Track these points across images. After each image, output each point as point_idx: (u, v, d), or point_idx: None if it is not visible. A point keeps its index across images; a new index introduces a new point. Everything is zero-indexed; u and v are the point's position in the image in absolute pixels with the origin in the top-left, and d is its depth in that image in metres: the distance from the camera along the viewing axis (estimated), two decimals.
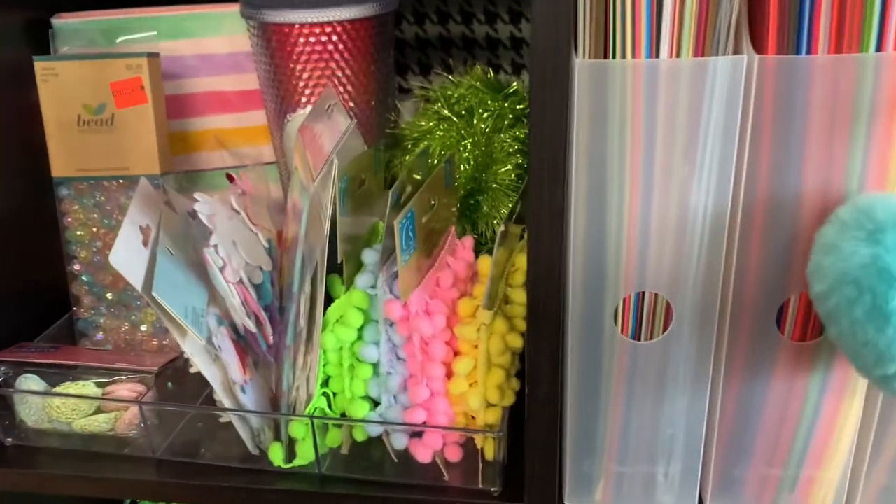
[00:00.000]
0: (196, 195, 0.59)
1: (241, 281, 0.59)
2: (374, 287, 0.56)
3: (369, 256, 0.58)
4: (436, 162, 0.66)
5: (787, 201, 0.45)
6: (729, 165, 0.45)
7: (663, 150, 0.45)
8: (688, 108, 0.44)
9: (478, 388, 0.55)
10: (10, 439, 0.64)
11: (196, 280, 0.60)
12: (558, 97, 0.43)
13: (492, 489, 0.57)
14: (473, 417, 0.58)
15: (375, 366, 0.57)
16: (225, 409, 0.59)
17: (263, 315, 0.59)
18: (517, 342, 0.55)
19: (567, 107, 0.43)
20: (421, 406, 0.55)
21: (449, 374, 0.55)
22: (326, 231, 0.53)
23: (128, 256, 0.54)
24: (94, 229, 0.69)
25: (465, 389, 0.55)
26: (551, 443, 0.53)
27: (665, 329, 0.49)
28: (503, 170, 0.66)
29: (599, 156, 0.45)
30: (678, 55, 0.44)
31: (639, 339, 0.50)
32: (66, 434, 0.63)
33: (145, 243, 0.58)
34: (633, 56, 0.43)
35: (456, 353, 0.55)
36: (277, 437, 0.61)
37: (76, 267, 0.70)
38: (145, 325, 0.71)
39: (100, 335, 0.72)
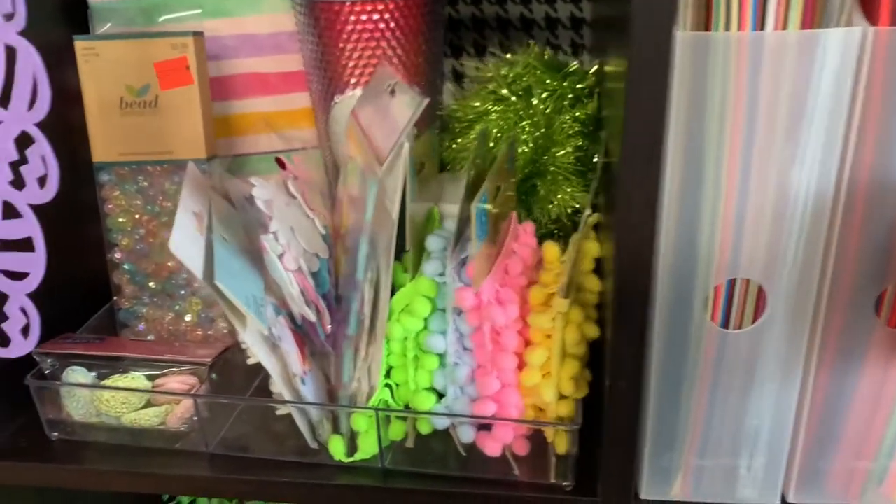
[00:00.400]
0: (252, 180, 0.56)
1: (299, 269, 0.56)
2: (441, 275, 0.54)
3: (434, 243, 0.55)
4: (492, 145, 0.64)
5: (893, 184, 0.43)
6: (834, 146, 0.43)
7: (765, 129, 0.42)
8: (793, 84, 0.41)
9: (551, 380, 0.53)
10: (55, 433, 0.62)
11: (251, 268, 0.58)
12: (659, 73, 0.41)
13: (563, 483, 0.55)
14: (541, 409, 0.56)
15: (441, 356, 0.55)
16: (285, 402, 0.57)
17: (322, 304, 0.57)
18: (593, 332, 0.52)
19: (668, 84, 0.41)
20: (491, 398, 0.53)
21: (520, 365, 0.53)
22: (395, 217, 0.50)
23: (186, 244, 0.52)
24: (137, 216, 0.67)
25: (538, 381, 0.53)
26: (631, 436, 0.51)
27: (756, 317, 0.47)
28: (562, 153, 0.64)
29: (697, 136, 0.43)
30: (785, 27, 0.41)
31: (727, 328, 0.48)
32: (114, 428, 0.61)
33: (199, 230, 0.56)
34: (738, 28, 0.41)
35: (526, 344, 0.53)
36: (336, 430, 0.59)
37: (117, 255, 0.68)
38: (189, 315, 0.69)
39: (141, 325, 0.69)
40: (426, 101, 0.49)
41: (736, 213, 0.44)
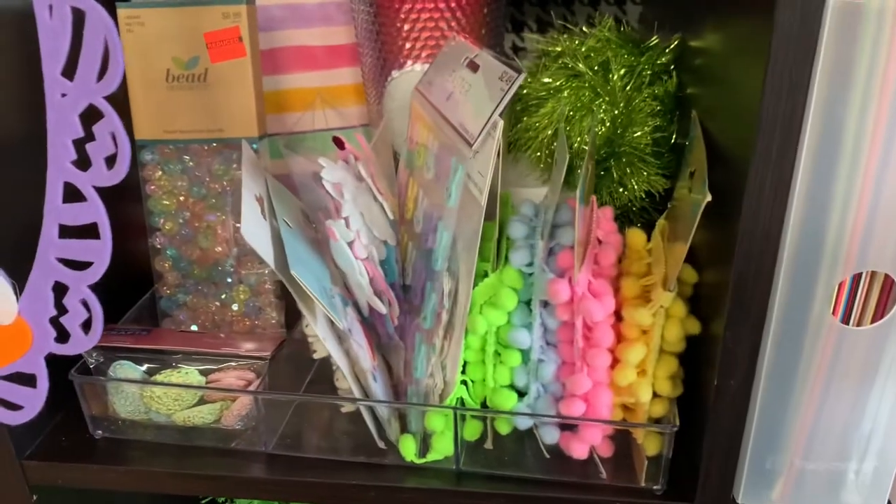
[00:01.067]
0: (321, 160, 0.52)
1: (369, 257, 0.52)
2: (529, 265, 0.50)
3: (517, 230, 0.51)
4: (565, 125, 0.60)
5: None
6: None
7: None
8: None
9: (646, 378, 0.49)
10: (99, 432, 0.58)
11: (315, 255, 0.54)
12: (805, 44, 0.37)
13: (654, 487, 0.51)
14: (626, 408, 0.52)
15: (524, 352, 0.51)
16: (359, 400, 0.53)
17: (391, 294, 0.53)
18: (695, 327, 0.49)
19: (814, 57, 0.37)
20: (580, 397, 0.50)
21: (612, 363, 0.50)
22: (484, 202, 0.46)
23: (256, 231, 0.48)
24: (181, 198, 0.62)
25: (633, 380, 0.49)
26: (736, 438, 0.48)
27: (882, 314, 0.44)
28: (639, 133, 0.60)
29: (836, 116, 0.39)
30: None
31: (847, 324, 0.44)
32: (162, 426, 0.57)
33: (263, 215, 0.52)
34: None
35: (618, 339, 0.50)
36: (404, 429, 0.55)
37: (160, 240, 0.63)
38: (236, 305, 0.64)
39: (183, 315, 0.65)
40: (523, 74, 0.45)
41: (870, 202, 0.41)
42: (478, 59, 0.51)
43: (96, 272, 0.42)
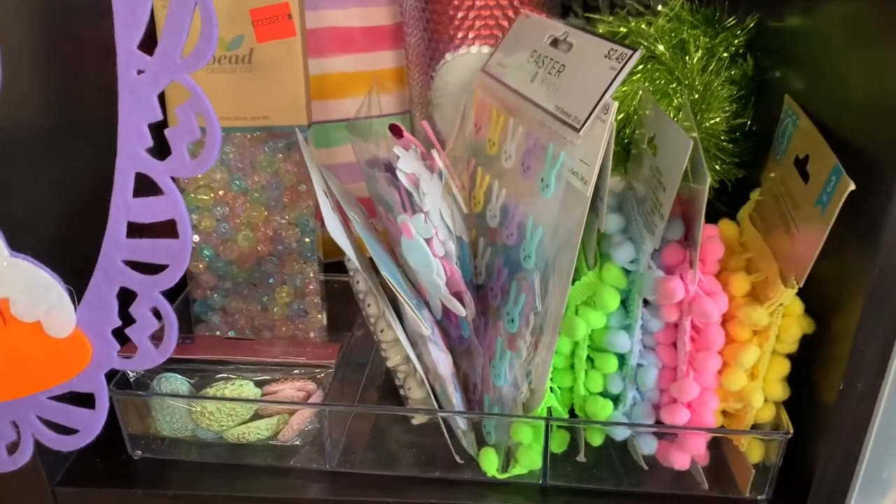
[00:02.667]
0: (395, 149, 0.47)
1: (446, 255, 0.48)
2: (633, 262, 0.46)
3: (614, 223, 0.47)
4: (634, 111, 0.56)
5: None
6: None
7: None
8: None
9: (757, 382, 0.46)
10: (139, 452, 0.52)
11: (384, 250, 0.49)
12: None
13: (759, 497, 0.48)
14: (725, 413, 0.49)
15: (620, 357, 0.47)
16: (437, 411, 0.48)
17: (469, 296, 0.49)
18: (810, 326, 0.45)
19: None
20: (686, 406, 0.46)
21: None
22: (590, 194, 0.42)
23: (336, 227, 0.43)
24: (221, 192, 0.57)
25: (744, 384, 0.45)
26: (856, 445, 0.45)
27: None
28: (717, 119, 0.56)
29: None
30: None
31: None
32: (209, 444, 0.52)
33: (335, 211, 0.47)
34: None
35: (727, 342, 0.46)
36: (481, 442, 0.51)
37: (195, 238, 0.58)
38: (278, 308, 0.59)
39: (219, 319, 0.60)
40: (639, 51, 0.41)
41: None
42: (569, 37, 0.47)
43: (172, 276, 0.36)
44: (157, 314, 0.39)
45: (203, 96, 0.33)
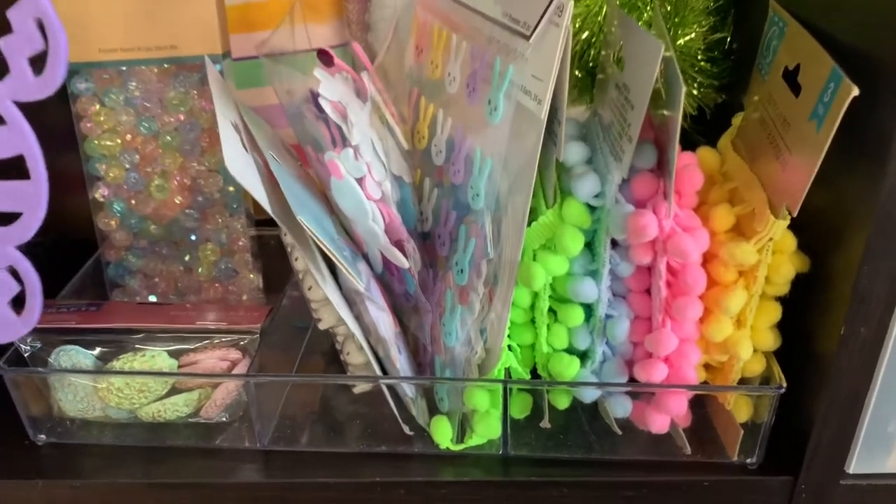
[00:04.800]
0: (317, 73, 0.40)
1: (383, 197, 0.41)
2: (598, 196, 0.39)
3: (575, 153, 0.40)
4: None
5: None
6: None
7: None
8: None
9: (745, 331, 0.40)
10: (42, 436, 0.45)
11: (313, 197, 0.42)
12: None
13: (748, 461, 0.42)
14: (707, 367, 0.43)
15: (587, 308, 0.41)
16: (388, 378, 0.42)
17: (412, 245, 0.42)
18: (803, 264, 0.39)
19: None
20: (663, 360, 0.40)
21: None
22: (545, 116, 0.35)
23: (242, 166, 0.36)
24: (128, 137, 0.49)
25: (730, 333, 0.39)
26: (860, 398, 0.39)
27: None
28: (692, 36, 0.50)
29: None
30: None
31: None
32: (124, 425, 0.45)
33: (244, 148, 0.40)
34: None
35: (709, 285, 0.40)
36: (434, 410, 0.45)
37: (102, 191, 0.51)
38: (203, 268, 0.52)
39: (138, 283, 0.53)
40: None
41: None
42: None
43: (28, 227, 0.29)
44: (17, 275, 0.32)
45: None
